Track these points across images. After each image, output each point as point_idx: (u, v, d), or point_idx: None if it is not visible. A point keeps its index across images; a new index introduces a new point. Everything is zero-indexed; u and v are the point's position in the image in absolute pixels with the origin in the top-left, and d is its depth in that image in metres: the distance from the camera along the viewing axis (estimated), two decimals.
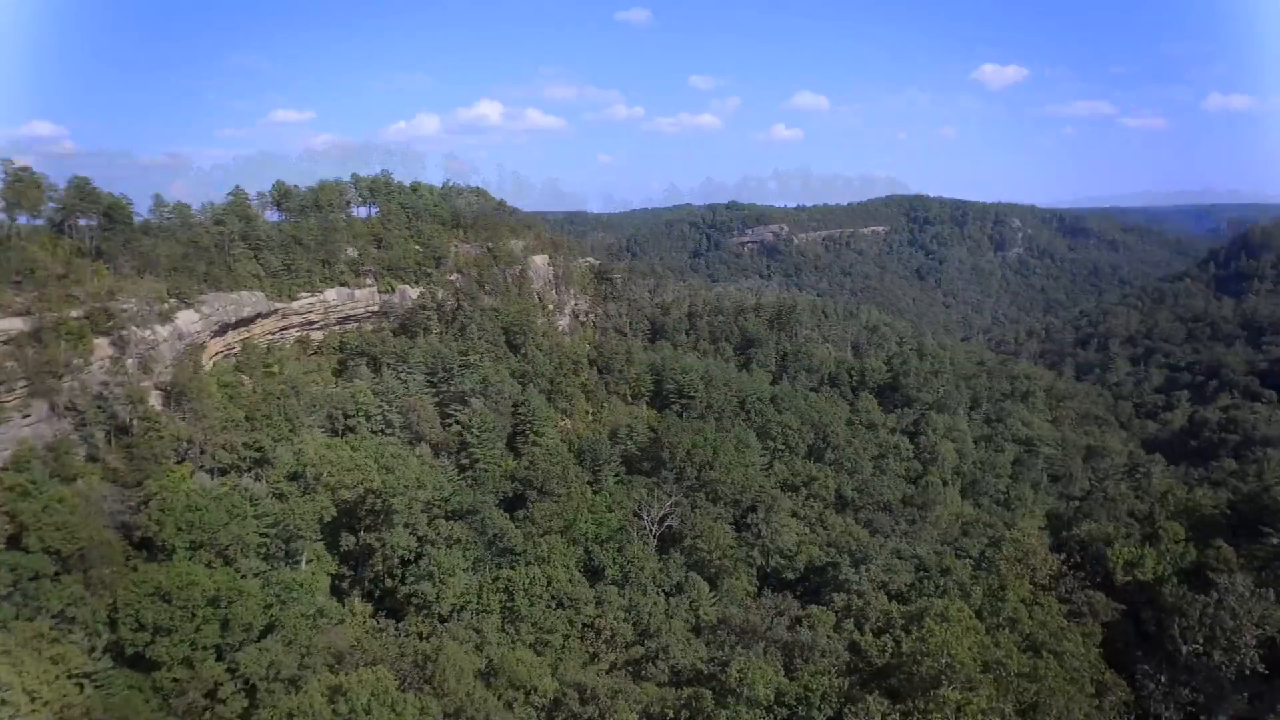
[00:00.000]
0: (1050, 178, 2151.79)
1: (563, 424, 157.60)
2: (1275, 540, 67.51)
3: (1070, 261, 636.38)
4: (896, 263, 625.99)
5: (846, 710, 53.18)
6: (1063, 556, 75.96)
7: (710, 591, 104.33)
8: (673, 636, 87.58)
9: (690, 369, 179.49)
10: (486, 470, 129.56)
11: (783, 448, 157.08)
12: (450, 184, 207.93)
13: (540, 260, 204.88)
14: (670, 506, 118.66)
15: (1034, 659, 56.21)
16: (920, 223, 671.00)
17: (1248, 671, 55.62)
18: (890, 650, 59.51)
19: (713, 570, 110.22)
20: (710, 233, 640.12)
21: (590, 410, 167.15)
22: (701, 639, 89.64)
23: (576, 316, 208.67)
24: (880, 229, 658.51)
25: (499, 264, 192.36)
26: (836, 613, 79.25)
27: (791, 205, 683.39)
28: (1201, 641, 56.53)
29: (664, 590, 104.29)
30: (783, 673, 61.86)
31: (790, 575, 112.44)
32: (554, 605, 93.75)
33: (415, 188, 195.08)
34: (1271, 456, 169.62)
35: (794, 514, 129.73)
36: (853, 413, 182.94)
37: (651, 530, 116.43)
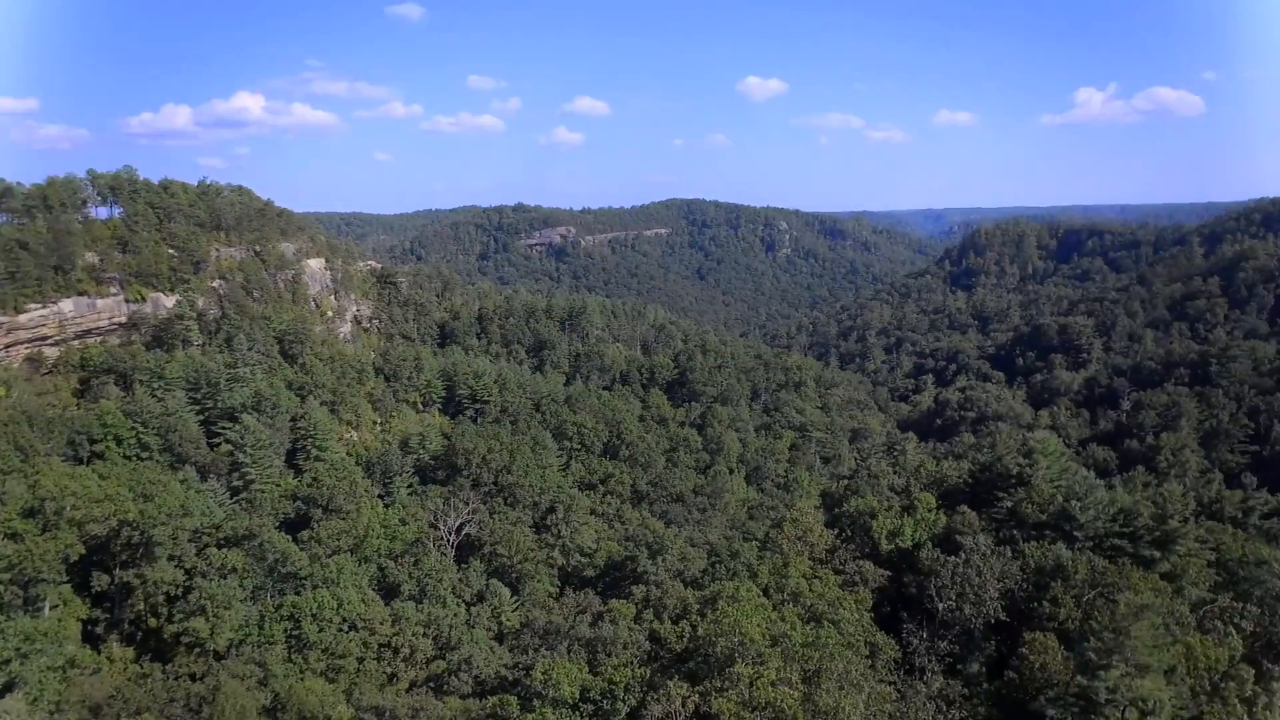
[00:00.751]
0: (812, 184, 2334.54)
1: (348, 436, 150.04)
2: (1008, 503, 77.12)
3: (831, 261, 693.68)
4: (678, 263, 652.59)
5: (649, 698, 54.55)
6: (836, 531, 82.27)
7: (512, 597, 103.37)
8: (475, 647, 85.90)
9: (483, 373, 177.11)
10: (263, 491, 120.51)
11: (579, 447, 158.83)
12: (208, 181, 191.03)
13: (316, 264, 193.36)
14: (468, 514, 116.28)
15: (816, 628, 60.40)
16: (699, 225, 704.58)
17: (993, 621, 63.00)
18: (688, 635, 61.70)
19: (514, 575, 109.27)
20: (498, 235, 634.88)
21: (378, 420, 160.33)
22: (505, 646, 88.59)
23: (359, 323, 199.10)
24: (662, 231, 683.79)
25: (269, 268, 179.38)
26: (636, 604, 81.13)
27: (578, 208, 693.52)
28: (954, 598, 63.25)
29: (464, 600, 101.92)
30: (587, 669, 62.42)
31: (591, 572, 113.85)
32: (346, 628, 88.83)
33: (166, 185, 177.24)
34: (1001, 430, 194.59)
35: (592, 512, 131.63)
36: (644, 409, 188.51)
37: (449, 540, 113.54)
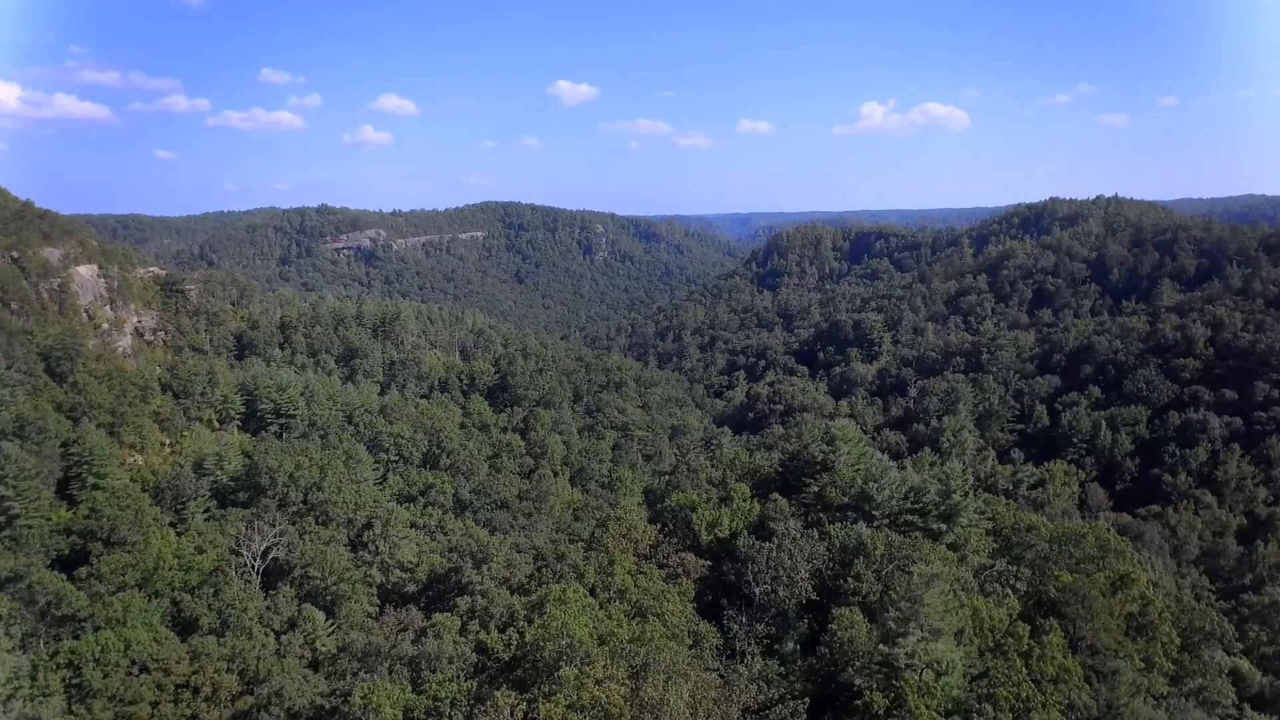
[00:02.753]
0: (625, 188, 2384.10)
1: (133, 460, 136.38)
2: (815, 488, 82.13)
3: (647, 264, 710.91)
4: (496, 267, 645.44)
5: (476, 711, 53.26)
6: (659, 526, 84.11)
7: (328, 620, 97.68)
8: (287, 677, 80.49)
9: (287, 385, 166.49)
10: (30, 526, 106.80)
11: (396, 459, 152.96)
12: None
13: (86, 271, 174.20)
14: (274, 536, 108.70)
15: (642, 623, 61.34)
16: (516, 229, 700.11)
17: (805, 601, 66.77)
18: (515, 643, 60.83)
19: (329, 597, 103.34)
20: (300, 238, 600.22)
21: (167, 441, 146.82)
22: (321, 673, 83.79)
23: (141, 335, 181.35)
24: (479, 234, 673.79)
25: (29, 277, 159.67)
26: (461, 616, 79.08)
27: (388, 210, 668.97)
28: (769, 582, 66.43)
29: (274, 629, 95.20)
30: (410, 688, 60.11)
31: (413, 587, 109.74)
32: (136, 671, 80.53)
33: None
34: (807, 420, 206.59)
35: (413, 525, 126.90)
36: (465, 416, 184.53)
37: (254, 566, 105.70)
